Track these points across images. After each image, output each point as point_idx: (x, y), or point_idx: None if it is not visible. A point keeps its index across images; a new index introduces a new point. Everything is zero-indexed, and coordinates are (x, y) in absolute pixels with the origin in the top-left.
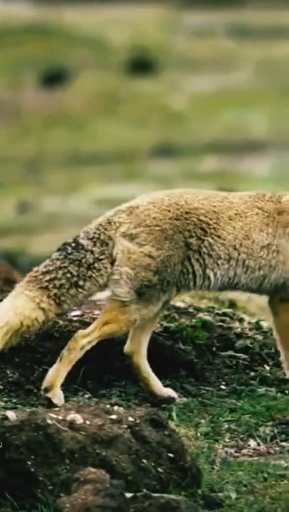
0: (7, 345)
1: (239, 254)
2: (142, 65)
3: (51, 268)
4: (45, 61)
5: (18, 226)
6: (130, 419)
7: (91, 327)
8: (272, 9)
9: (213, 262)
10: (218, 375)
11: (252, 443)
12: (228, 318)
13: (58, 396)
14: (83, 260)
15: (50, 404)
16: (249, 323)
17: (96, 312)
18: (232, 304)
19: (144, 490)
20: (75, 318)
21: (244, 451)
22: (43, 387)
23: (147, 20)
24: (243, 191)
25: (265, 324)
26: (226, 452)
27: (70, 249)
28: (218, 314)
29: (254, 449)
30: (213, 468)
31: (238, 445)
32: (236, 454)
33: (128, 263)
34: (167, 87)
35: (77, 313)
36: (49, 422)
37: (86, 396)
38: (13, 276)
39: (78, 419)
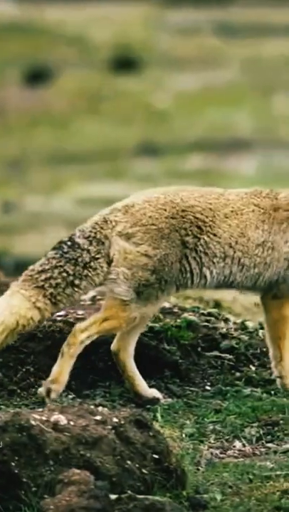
0: (3, 344)
1: (235, 252)
2: (125, 63)
3: (47, 267)
4: (28, 59)
5: (1, 226)
6: (115, 420)
7: (89, 321)
8: (258, 7)
9: (209, 261)
10: (203, 375)
11: (237, 444)
12: (213, 319)
13: (57, 392)
14: (79, 259)
15: (48, 395)
16: (234, 323)
17: (80, 312)
18: (217, 304)
19: (129, 491)
20: (58, 318)
21: (229, 452)
22: (49, 380)
23: (131, 18)
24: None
25: (250, 324)
26: (211, 453)
27: (66, 248)
28: (203, 314)
29: (239, 450)
30: (198, 470)
31: (224, 446)
32: (221, 455)
33: (125, 263)
34: (151, 86)
35: (61, 313)
36: (33, 423)
37: (70, 397)
38: None
39: (62, 420)
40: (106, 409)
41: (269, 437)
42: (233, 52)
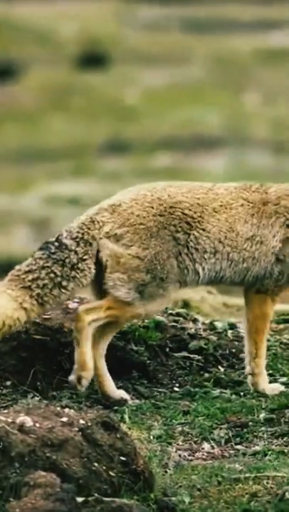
0: None
1: (224, 247)
2: (93, 59)
3: (34, 267)
4: None
5: None
6: (81, 421)
7: (93, 304)
8: (227, 4)
9: (200, 257)
10: (171, 376)
11: (206, 446)
12: (181, 319)
13: (88, 378)
14: (67, 260)
15: (79, 382)
16: (203, 323)
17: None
18: (185, 304)
19: (96, 494)
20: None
21: (198, 454)
22: (76, 369)
23: (99, 13)
24: None
25: (219, 325)
26: (180, 455)
27: (53, 249)
28: (171, 314)
29: (208, 452)
30: (166, 472)
31: (192, 448)
32: (190, 458)
33: (118, 268)
34: (119, 82)
35: None
36: None
37: (36, 398)
38: None
39: (28, 421)
40: (72, 410)
41: (238, 439)
42: (201, 48)
